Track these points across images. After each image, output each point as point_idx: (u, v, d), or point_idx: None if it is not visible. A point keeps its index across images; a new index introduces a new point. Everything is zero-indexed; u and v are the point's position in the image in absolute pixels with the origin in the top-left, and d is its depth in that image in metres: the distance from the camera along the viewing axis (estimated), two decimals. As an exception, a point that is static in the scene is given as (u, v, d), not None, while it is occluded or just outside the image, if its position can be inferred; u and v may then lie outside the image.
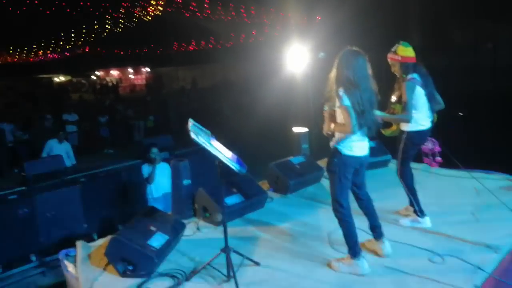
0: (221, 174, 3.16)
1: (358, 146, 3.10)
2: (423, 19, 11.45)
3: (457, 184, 4.97)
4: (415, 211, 3.94)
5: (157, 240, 3.48)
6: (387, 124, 3.84)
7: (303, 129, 6.00)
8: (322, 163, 6.18)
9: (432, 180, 5.22)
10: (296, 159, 5.51)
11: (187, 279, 3.21)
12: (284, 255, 3.58)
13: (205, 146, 2.94)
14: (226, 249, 3.20)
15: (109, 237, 3.58)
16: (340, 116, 3.08)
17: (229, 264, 3.15)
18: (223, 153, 2.95)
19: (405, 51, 3.69)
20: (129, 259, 3.29)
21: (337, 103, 3.04)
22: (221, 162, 2.91)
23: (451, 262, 3.23)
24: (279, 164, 5.34)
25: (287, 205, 4.79)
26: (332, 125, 3.14)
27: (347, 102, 2.95)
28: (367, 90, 3.01)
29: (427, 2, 11.02)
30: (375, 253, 3.41)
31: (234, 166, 2.86)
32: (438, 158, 3.86)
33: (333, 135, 3.19)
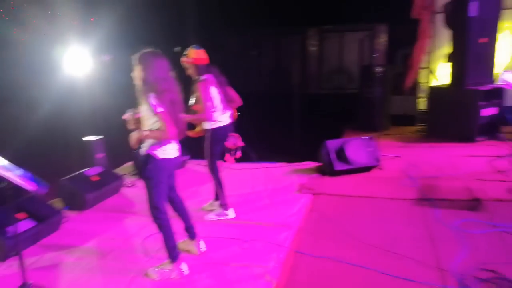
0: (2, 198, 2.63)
1: (171, 148, 3.08)
2: (199, 25, 12.25)
3: (250, 176, 5.55)
4: (220, 205, 4.20)
5: None
6: (191, 125, 3.96)
7: (96, 137, 5.57)
8: (121, 171, 5.92)
9: (229, 174, 5.68)
10: (91, 171, 5.08)
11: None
12: (95, 276, 3.26)
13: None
14: (24, 285, 2.69)
15: None
16: (150, 122, 2.98)
17: (29, 302, 2.67)
18: (11, 172, 2.46)
19: (197, 53, 3.88)
20: None
21: (148, 109, 2.93)
22: (10, 183, 2.42)
23: (257, 245, 3.59)
24: (73, 178, 4.83)
25: (87, 221, 4.38)
26: (145, 132, 2.99)
27: (160, 108, 2.88)
28: (174, 92, 3.01)
29: (201, 11, 11.85)
30: (190, 252, 3.48)
31: (29, 185, 2.41)
32: (238, 153, 4.21)
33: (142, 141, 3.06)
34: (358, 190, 4.88)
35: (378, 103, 6.73)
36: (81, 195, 4.64)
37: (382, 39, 11.18)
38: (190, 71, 3.92)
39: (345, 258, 3.31)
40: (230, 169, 5.85)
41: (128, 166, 6.18)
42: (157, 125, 2.93)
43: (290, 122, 9.17)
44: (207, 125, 3.98)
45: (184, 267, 3.20)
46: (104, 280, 3.19)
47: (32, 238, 3.79)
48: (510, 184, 4.69)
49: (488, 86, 6.79)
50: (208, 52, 3.97)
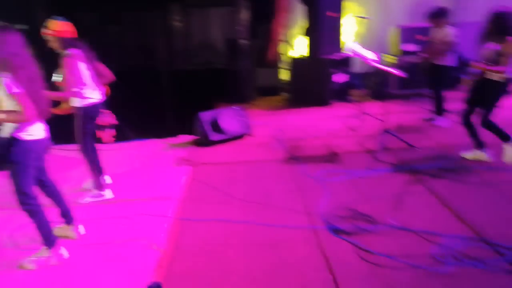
0: None
1: (37, 128, 2.83)
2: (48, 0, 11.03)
3: (127, 154, 5.39)
4: (96, 186, 4.03)
5: None
6: (57, 103, 3.67)
7: None
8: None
9: (104, 154, 5.40)
10: None
11: None
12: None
13: None
14: None
15: None
16: (6, 103, 2.68)
17: None
18: None
19: (58, 25, 3.60)
20: None
21: (2, 90, 2.63)
22: None
23: (140, 220, 3.58)
24: None
25: None
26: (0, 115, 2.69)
27: (16, 88, 2.61)
28: (31, 68, 2.76)
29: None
30: (69, 238, 3.31)
31: None
32: (112, 131, 4.05)
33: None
34: (234, 157, 5.16)
35: (245, 75, 7.06)
36: None
37: (245, 14, 11.57)
38: (54, 45, 3.62)
39: (227, 217, 3.53)
40: (104, 149, 5.59)
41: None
42: (15, 106, 2.67)
43: (161, 98, 9.01)
44: (77, 103, 3.74)
45: (64, 251, 3.04)
46: (-32, 281, 2.85)
47: None
48: (359, 138, 5.48)
49: (338, 55, 7.68)
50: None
